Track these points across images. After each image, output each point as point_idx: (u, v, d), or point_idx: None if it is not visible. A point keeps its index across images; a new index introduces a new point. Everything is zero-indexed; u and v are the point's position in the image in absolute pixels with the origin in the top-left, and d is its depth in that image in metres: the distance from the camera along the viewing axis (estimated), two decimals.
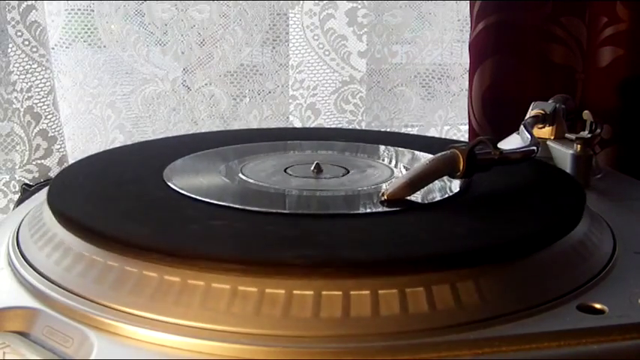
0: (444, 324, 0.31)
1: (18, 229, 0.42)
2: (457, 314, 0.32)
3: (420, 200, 0.42)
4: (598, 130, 0.55)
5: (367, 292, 0.32)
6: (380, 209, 0.41)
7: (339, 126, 0.79)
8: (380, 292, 0.32)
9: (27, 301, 0.34)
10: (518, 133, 0.53)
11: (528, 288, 0.34)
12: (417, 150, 0.54)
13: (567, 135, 0.57)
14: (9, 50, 0.63)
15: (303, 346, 0.30)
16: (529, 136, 0.50)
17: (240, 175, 0.47)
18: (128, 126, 0.74)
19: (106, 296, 0.33)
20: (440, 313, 0.32)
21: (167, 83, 0.73)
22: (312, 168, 0.48)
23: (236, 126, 0.76)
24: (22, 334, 0.32)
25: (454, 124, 0.84)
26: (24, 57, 0.64)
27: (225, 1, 0.72)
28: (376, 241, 0.36)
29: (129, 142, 0.72)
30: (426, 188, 0.43)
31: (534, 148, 0.47)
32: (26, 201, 0.50)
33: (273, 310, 0.31)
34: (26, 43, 0.64)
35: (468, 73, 0.76)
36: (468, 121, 0.77)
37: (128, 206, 0.41)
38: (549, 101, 0.60)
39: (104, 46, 0.71)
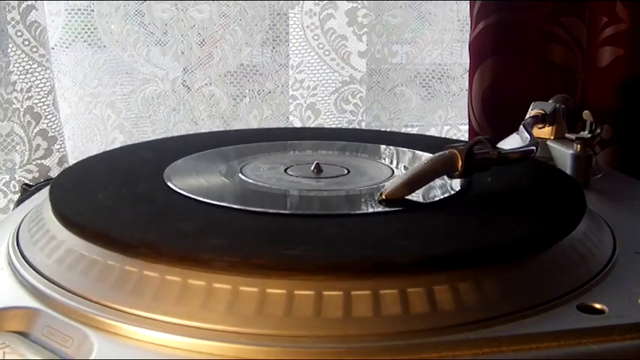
0: (444, 324, 0.31)
1: (18, 229, 0.42)
2: (457, 314, 0.32)
3: (420, 200, 0.42)
4: (598, 130, 0.55)
5: (368, 292, 0.32)
6: (380, 209, 0.41)
7: (339, 126, 0.79)
8: (380, 292, 0.32)
9: (27, 301, 0.34)
10: (518, 133, 0.53)
11: (528, 288, 0.34)
12: (417, 150, 0.54)
13: (567, 135, 0.57)
14: (9, 50, 0.63)
15: (303, 346, 0.30)
16: (528, 136, 0.50)
17: (241, 175, 0.47)
18: (128, 126, 0.74)
19: (106, 296, 0.33)
20: (440, 313, 0.32)
21: (167, 83, 0.73)
22: (313, 168, 0.48)
23: (236, 126, 0.76)
24: (22, 334, 0.32)
25: (454, 124, 0.84)
26: (24, 57, 0.64)
27: (225, 1, 0.72)
28: (377, 241, 0.36)
29: (129, 142, 0.72)
30: (426, 188, 0.43)
31: (533, 147, 0.47)
32: (26, 201, 0.50)
33: (272, 310, 0.31)
34: (26, 43, 0.64)
35: (468, 73, 0.76)
36: (467, 121, 0.77)
37: (128, 206, 0.41)
38: (549, 101, 0.60)
39: (104, 46, 0.71)
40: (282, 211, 0.41)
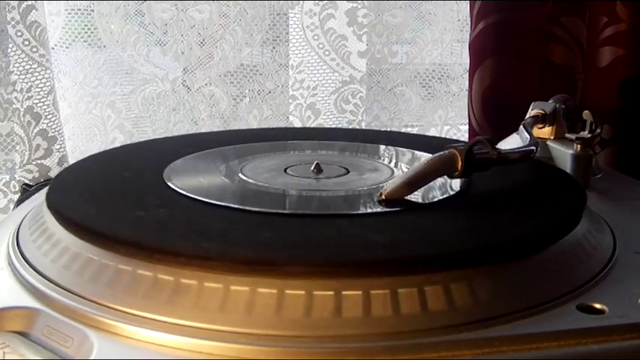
0: (443, 324, 0.31)
1: (18, 229, 0.42)
2: (457, 314, 0.32)
3: (420, 200, 0.42)
4: (598, 130, 0.55)
5: (372, 291, 0.32)
6: (380, 209, 0.41)
7: (339, 126, 0.79)
8: (379, 292, 0.32)
9: (27, 301, 0.34)
10: (518, 133, 0.53)
11: (528, 288, 0.34)
12: (417, 150, 0.54)
13: (567, 135, 0.57)
14: (9, 50, 0.63)
15: (301, 346, 0.30)
16: (528, 136, 0.50)
17: (240, 175, 0.47)
18: (128, 126, 0.74)
19: (106, 296, 0.33)
20: (440, 313, 0.32)
21: (167, 83, 0.73)
22: (312, 168, 0.48)
23: (236, 126, 0.76)
24: (22, 334, 0.32)
25: (454, 124, 0.84)
26: (24, 57, 0.64)
27: (225, 1, 0.72)
28: (377, 241, 0.36)
29: (129, 142, 0.72)
30: (425, 188, 0.43)
31: (533, 147, 0.47)
32: (26, 201, 0.50)
33: (270, 311, 0.31)
34: (26, 43, 0.64)
35: (468, 73, 0.76)
36: (467, 121, 0.77)
37: (128, 206, 0.41)
38: (549, 101, 0.60)
39: (104, 46, 0.71)
40: (282, 211, 0.41)
